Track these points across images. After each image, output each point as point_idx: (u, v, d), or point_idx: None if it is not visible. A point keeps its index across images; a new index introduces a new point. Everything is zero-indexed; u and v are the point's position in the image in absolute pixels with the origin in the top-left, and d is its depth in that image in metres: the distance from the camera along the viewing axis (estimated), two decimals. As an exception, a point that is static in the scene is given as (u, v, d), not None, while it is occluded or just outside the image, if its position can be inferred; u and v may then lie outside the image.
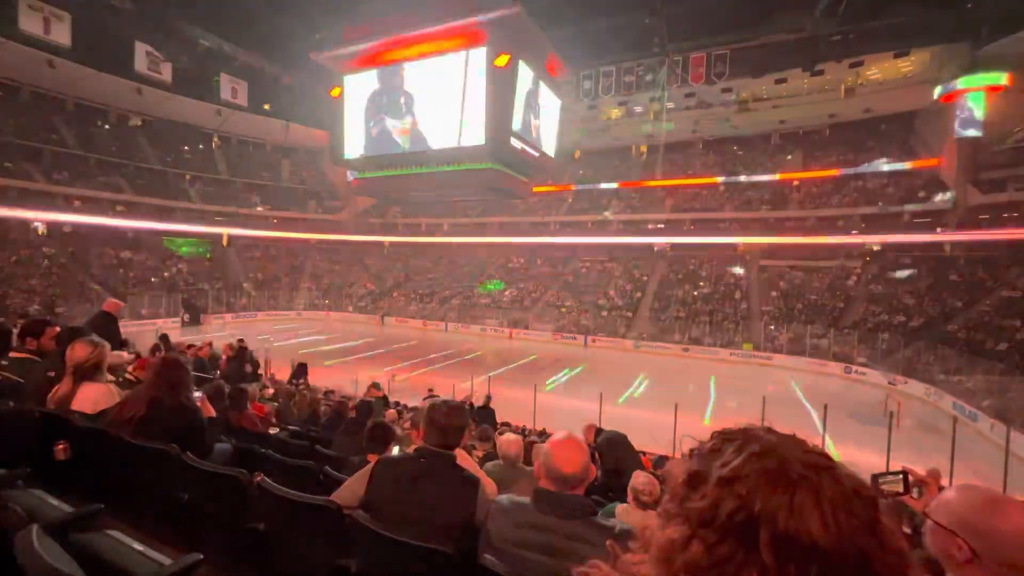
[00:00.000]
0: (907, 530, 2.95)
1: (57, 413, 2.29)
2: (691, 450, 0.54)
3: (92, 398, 2.39)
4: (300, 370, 11.55)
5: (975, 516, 0.91)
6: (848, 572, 0.41)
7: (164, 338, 7.81)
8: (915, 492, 1.80)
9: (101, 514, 1.38)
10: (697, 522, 0.46)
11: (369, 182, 13.20)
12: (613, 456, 4.13)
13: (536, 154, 11.95)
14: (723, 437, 0.52)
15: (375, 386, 10.02)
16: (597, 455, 4.06)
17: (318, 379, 14.53)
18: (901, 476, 1.81)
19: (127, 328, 22.59)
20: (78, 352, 2.43)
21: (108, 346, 2.62)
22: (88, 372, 2.45)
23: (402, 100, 11.63)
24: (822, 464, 0.47)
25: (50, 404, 2.39)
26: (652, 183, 36.61)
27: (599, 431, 5.09)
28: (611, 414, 12.02)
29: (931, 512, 1.00)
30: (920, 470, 1.79)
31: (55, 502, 1.42)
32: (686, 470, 0.51)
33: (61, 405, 2.37)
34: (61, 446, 2.09)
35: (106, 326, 5.10)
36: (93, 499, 1.45)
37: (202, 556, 1.22)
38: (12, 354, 2.91)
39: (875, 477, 1.88)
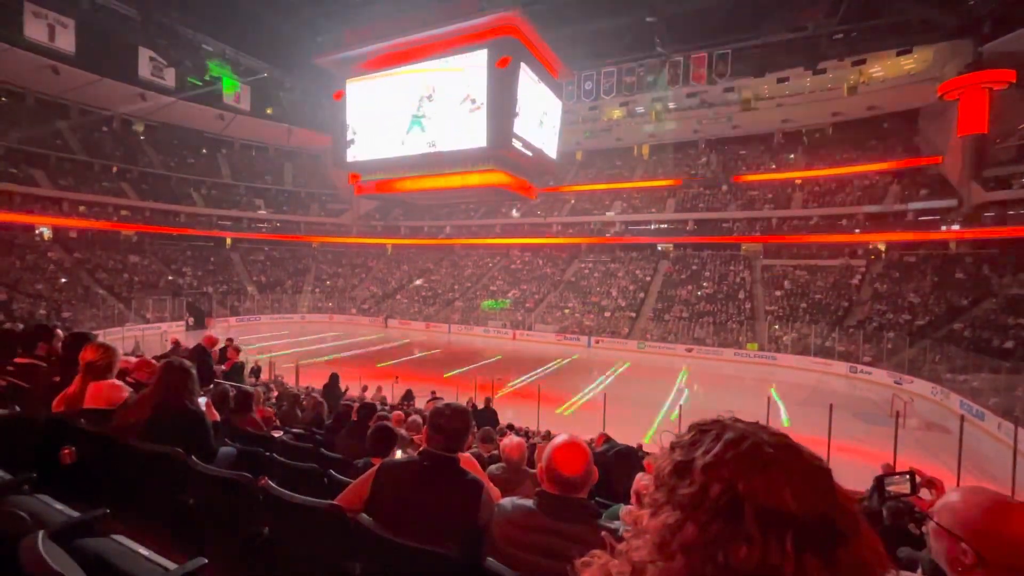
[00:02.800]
0: (915, 530, 2.93)
1: (62, 418, 2.30)
2: (672, 443, 0.59)
3: (103, 394, 2.42)
4: (408, 395, 11.88)
5: (981, 520, 0.90)
6: (817, 532, 0.47)
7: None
8: (923, 492, 1.78)
9: (106, 519, 1.38)
10: (688, 506, 0.51)
11: (372, 185, 13.23)
12: (604, 468, 4.13)
13: (538, 155, 11.96)
14: (699, 429, 0.58)
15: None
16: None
17: (317, 381, 14.55)
18: (908, 477, 1.79)
19: (131, 332, 22.65)
20: (90, 353, 2.47)
21: (119, 351, 2.66)
22: (99, 372, 2.48)
23: (403, 104, 11.66)
24: (786, 444, 0.53)
25: (59, 406, 2.41)
26: (654, 183, 36.59)
27: (608, 440, 5.05)
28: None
29: (936, 515, 0.99)
30: (928, 471, 1.78)
31: (60, 507, 1.42)
32: (671, 461, 0.56)
33: (71, 406, 2.39)
34: (67, 451, 2.10)
35: (203, 360, 5.26)
36: (98, 504, 1.46)
37: (207, 560, 1.22)
38: (17, 360, 2.93)
39: (882, 477, 1.86)
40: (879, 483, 1.84)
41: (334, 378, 10.09)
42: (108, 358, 2.52)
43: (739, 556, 0.46)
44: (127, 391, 2.51)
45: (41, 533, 1.07)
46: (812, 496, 0.48)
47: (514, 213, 39.53)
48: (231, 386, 5.31)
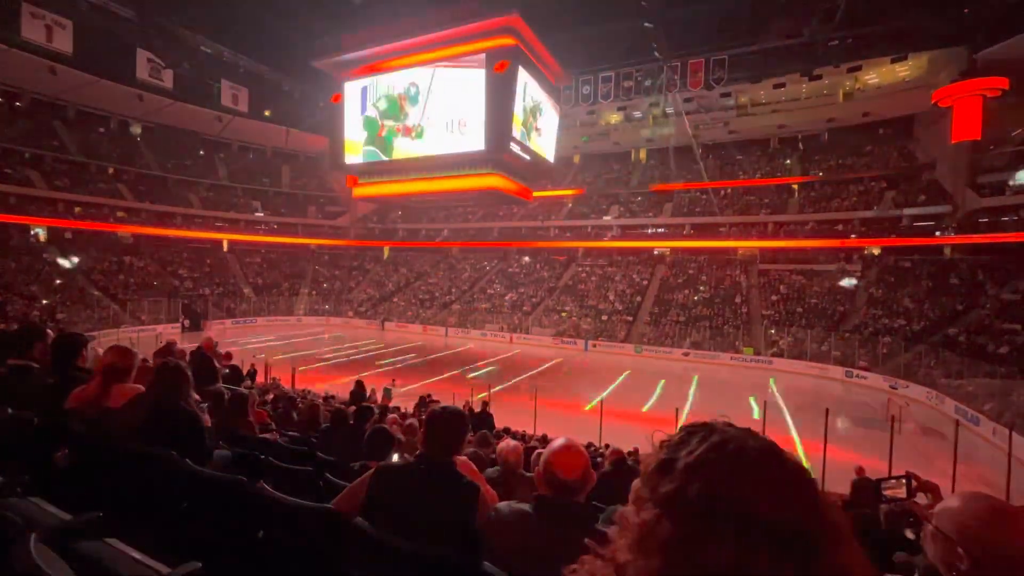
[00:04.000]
0: (911, 535, 2.94)
1: (55, 420, 2.29)
2: (661, 442, 0.60)
3: (130, 397, 2.45)
4: (422, 402, 11.83)
5: (978, 526, 0.91)
6: (793, 540, 0.47)
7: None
8: (919, 497, 1.78)
9: (99, 522, 1.37)
10: (667, 504, 0.52)
11: (368, 187, 13.23)
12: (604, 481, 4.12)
13: (536, 159, 11.99)
14: (688, 430, 0.58)
15: (387, 393, 10.27)
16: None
17: (315, 384, 14.53)
18: (904, 481, 1.79)
19: (126, 333, 22.52)
20: (112, 356, 2.51)
21: (139, 355, 2.73)
22: (121, 375, 2.51)
23: (401, 107, 11.68)
24: (771, 451, 0.53)
25: (72, 403, 2.41)
26: (651, 187, 36.73)
27: (618, 461, 5.00)
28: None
29: (934, 519, 0.99)
30: (923, 475, 1.78)
31: (53, 510, 1.41)
32: (657, 458, 0.57)
33: (91, 406, 2.39)
34: (61, 453, 2.08)
35: (204, 363, 5.41)
36: (91, 507, 1.44)
37: (200, 564, 1.21)
38: (11, 361, 2.91)
39: (878, 482, 1.87)
40: (877, 487, 1.84)
41: (359, 385, 10.22)
42: (129, 361, 2.58)
43: (714, 558, 0.46)
44: None
45: (33, 536, 1.06)
46: (791, 504, 0.49)
47: (512, 216, 39.57)
48: (226, 388, 5.29)
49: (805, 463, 0.56)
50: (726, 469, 0.51)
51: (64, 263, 28.56)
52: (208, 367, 5.29)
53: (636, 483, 0.59)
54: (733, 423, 0.59)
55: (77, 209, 30.88)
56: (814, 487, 0.52)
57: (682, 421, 10.80)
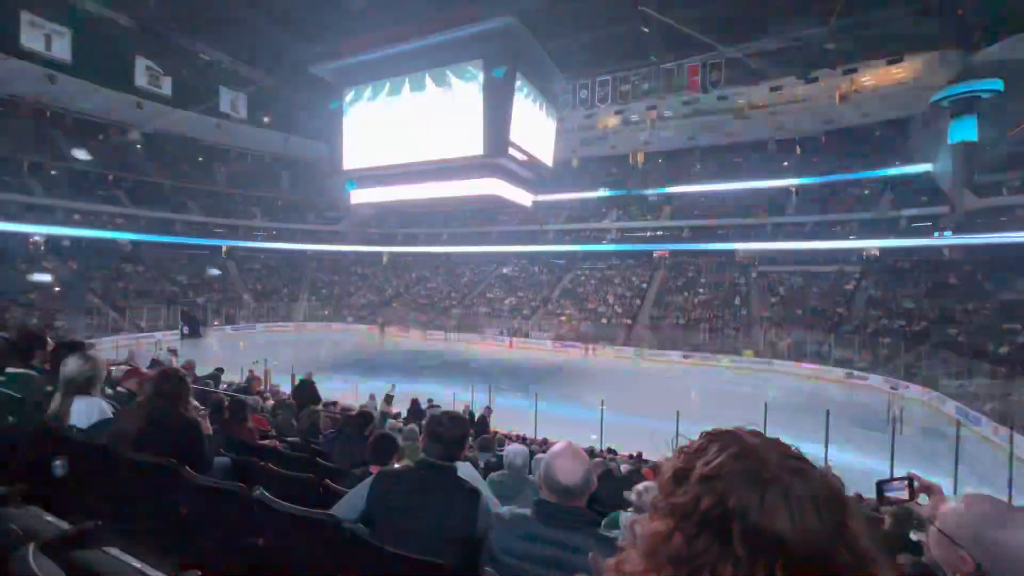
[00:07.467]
0: (915, 537, 2.93)
1: (56, 428, 2.28)
2: (681, 448, 0.57)
3: (84, 412, 2.38)
4: (415, 406, 11.69)
5: (981, 528, 0.90)
6: (812, 563, 0.43)
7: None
8: (921, 498, 1.78)
9: (99, 531, 1.36)
10: (679, 515, 0.49)
11: (369, 201, 13.26)
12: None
13: (534, 163, 12.02)
14: (710, 437, 0.55)
15: (386, 400, 10.35)
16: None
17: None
18: (906, 482, 1.79)
19: (125, 341, 22.51)
20: (71, 367, 2.41)
21: (104, 361, 2.63)
22: (82, 387, 2.43)
23: (401, 111, 11.71)
24: (796, 467, 0.50)
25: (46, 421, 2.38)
26: (649, 190, 36.83)
27: (606, 473, 4.99)
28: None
29: (937, 521, 0.99)
30: (925, 476, 1.77)
31: (52, 519, 1.40)
32: (672, 466, 0.54)
33: (56, 421, 2.36)
34: (59, 462, 2.07)
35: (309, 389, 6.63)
36: (91, 515, 1.43)
37: (200, 573, 1.20)
38: (10, 368, 2.90)
39: (880, 483, 1.86)
40: (879, 488, 1.84)
41: (415, 403, 10.47)
42: (89, 371, 2.47)
43: (724, 575, 0.44)
44: (109, 413, 2.47)
45: (32, 546, 1.06)
46: (812, 524, 0.45)
47: (510, 220, 39.57)
48: (225, 395, 5.29)
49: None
50: (742, 482, 0.47)
51: (62, 270, 28.54)
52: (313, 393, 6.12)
53: (653, 489, 0.57)
54: (760, 432, 0.55)
55: (76, 216, 30.87)
56: (843, 506, 0.48)
57: (680, 423, 10.79)
